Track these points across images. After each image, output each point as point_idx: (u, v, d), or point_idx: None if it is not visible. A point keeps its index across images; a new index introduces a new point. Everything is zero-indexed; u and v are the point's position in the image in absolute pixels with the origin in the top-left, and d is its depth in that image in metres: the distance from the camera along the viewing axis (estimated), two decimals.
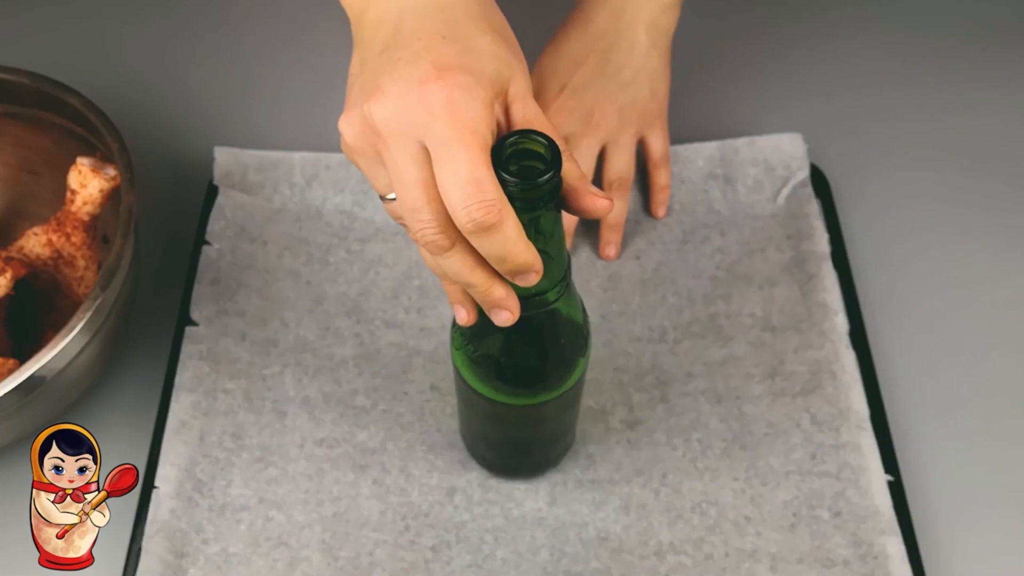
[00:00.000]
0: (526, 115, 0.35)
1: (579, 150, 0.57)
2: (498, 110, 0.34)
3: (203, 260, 0.57)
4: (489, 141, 0.33)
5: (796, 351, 0.55)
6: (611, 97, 0.57)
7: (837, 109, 0.66)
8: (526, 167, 0.33)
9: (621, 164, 0.58)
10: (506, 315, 0.37)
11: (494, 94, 0.34)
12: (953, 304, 0.58)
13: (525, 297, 0.38)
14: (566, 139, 0.45)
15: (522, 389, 0.43)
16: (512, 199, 0.33)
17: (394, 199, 0.36)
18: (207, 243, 0.57)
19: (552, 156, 0.33)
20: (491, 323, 0.38)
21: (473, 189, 0.32)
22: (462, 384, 0.45)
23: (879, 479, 0.50)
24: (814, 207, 0.59)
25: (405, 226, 0.36)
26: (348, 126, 0.36)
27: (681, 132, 0.61)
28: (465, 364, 0.43)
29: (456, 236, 0.34)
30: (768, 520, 0.50)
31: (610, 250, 0.59)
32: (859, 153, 0.64)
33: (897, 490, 0.50)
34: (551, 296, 0.38)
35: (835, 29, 0.71)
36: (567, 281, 0.39)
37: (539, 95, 0.57)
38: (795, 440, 0.52)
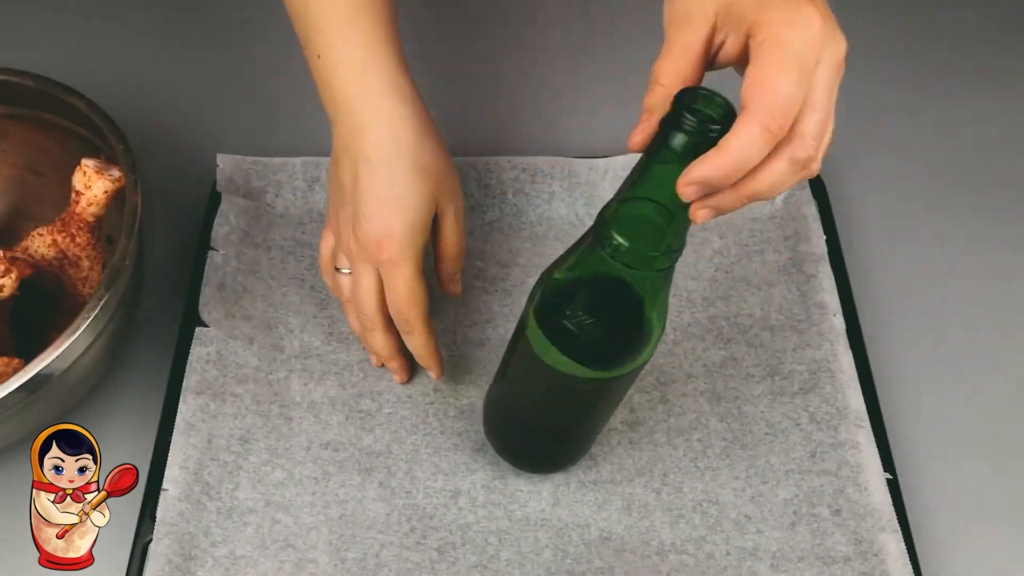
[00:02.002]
0: (445, 235, 0.53)
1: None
2: (426, 238, 0.52)
3: (209, 265, 0.57)
4: (416, 276, 0.51)
5: (795, 351, 0.56)
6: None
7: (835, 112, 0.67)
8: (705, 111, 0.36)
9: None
10: (396, 377, 0.55)
11: (424, 237, 0.51)
12: (948, 304, 0.59)
13: (649, 255, 0.38)
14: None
15: (607, 357, 0.42)
16: (698, 144, 0.35)
17: (347, 272, 0.53)
18: (213, 249, 0.58)
19: (726, 115, 0.36)
20: (591, 284, 0.41)
21: (397, 310, 0.51)
22: (529, 355, 0.44)
23: (878, 477, 0.51)
24: (812, 209, 0.60)
25: (342, 299, 0.55)
26: (339, 231, 0.52)
27: None
28: (543, 329, 0.42)
29: (381, 323, 0.52)
30: (769, 519, 0.50)
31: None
32: (855, 155, 0.65)
33: (893, 488, 0.51)
34: (668, 261, 0.39)
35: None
36: (682, 251, 0.39)
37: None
38: (794, 439, 0.53)
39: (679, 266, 0.59)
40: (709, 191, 0.36)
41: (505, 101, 0.68)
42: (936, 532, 0.51)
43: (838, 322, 0.56)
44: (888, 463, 0.51)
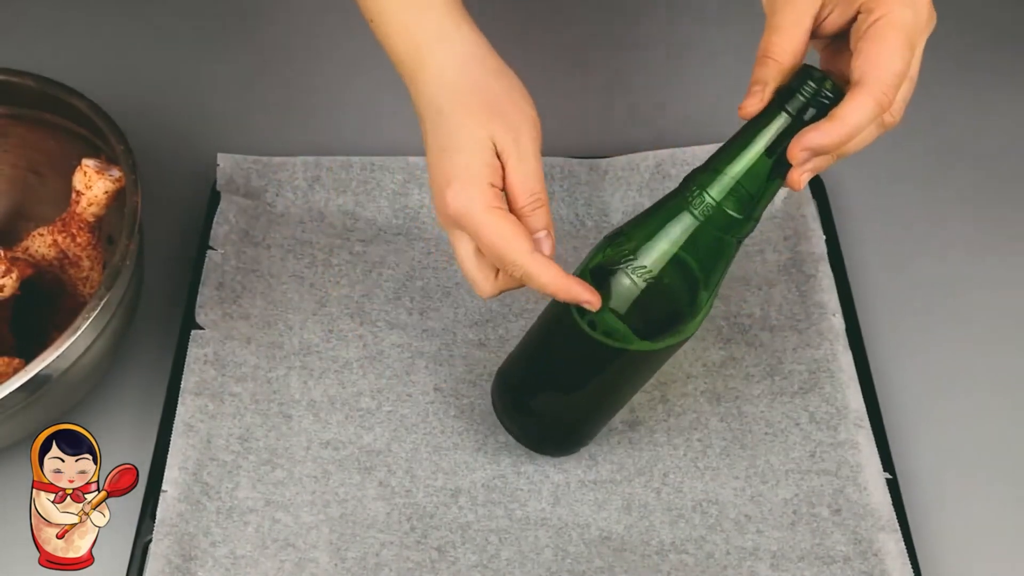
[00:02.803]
0: (512, 179, 0.45)
1: None
2: (494, 177, 0.45)
3: (208, 264, 0.57)
4: (493, 214, 0.44)
5: (794, 351, 0.56)
6: None
7: None
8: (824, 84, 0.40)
9: None
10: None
11: (486, 182, 0.45)
12: (948, 303, 0.59)
13: (740, 218, 0.42)
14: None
15: (660, 324, 0.44)
16: (817, 112, 0.39)
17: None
18: (211, 248, 0.58)
19: (835, 92, 0.39)
20: (678, 243, 0.42)
21: (500, 254, 0.44)
22: (569, 324, 0.44)
23: (877, 476, 0.51)
24: (811, 208, 0.60)
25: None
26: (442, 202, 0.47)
27: (681, 134, 0.62)
28: (614, 292, 0.43)
29: (504, 273, 0.46)
30: (768, 518, 0.50)
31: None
32: (856, 159, 0.65)
33: (893, 488, 0.51)
34: (751, 227, 0.42)
35: None
36: (757, 221, 0.42)
37: None
38: (794, 439, 0.53)
39: None
40: (816, 155, 0.39)
41: None
42: (936, 532, 0.51)
43: (838, 322, 0.56)
44: (888, 463, 0.51)
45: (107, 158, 0.52)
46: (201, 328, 0.55)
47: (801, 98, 0.39)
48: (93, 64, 0.64)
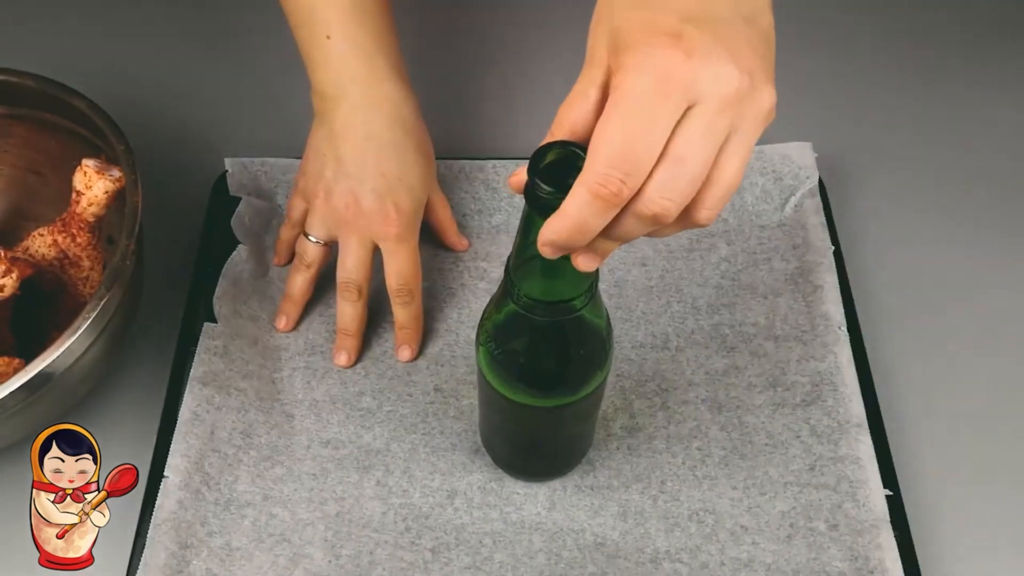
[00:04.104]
0: (438, 209, 0.58)
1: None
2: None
3: (233, 258, 0.58)
4: (417, 250, 0.55)
5: (798, 362, 0.55)
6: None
7: (833, 117, 0.66)
8: (559, 177, 0.34)
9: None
10: (343, 356, 0.56)
11: (422, 213, 0.56)
12: (951, 314, 0.58)
13: (551, 303, 0.39)
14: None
15: (540, 391, 0.44)
16: (546, 207, 0.34)
17: (315, 242, 0.56)
18: (241, 243, 0.58)
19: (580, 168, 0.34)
20: (516, 325, 0.41)
21: (403, 282, 0.55)
22: (483, 382, 0.46)
23: (877, 493, 0.50)
24: (820, 218, 0.59)
25: (299, 264, 0.57)
26: (326, 204, 0.55)
27: None
28: (488, 363, 0.44)
29: (365, 294, 0.55)
30: (765, 530, 0.50)
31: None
32: (856, 161, 0.64)
33: (895, 504, 0.50)
34: (577, 304, 0.39)
35: (832, 36, 0.71)
36: (593, 291, 0.40)
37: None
38: (794, 451, 0.52)
39: (685, 272, 0.59)
40: (569, 251, 0.35)
41: (513, 104, 0.67)
42: (940, 545, 0.50)
43: (842, 334, 0.55)
44: (890, 477, 0.51)
45: (107, 158, 0.52)
46: (215, 320, 0.55)
47: (530, 190, 0.34)
48: (93, 64, 0.64)
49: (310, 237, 0.56)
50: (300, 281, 0.57)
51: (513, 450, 0.51)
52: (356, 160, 0.53)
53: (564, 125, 0.34)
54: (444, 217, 0.59)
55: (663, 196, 0.33)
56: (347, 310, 0.55)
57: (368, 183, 0.53)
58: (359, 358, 0.56)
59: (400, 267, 0.55)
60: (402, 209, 0.54)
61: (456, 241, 0.60)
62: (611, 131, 0.32)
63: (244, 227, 0.59)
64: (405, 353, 0.56)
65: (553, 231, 0.33)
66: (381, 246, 0.55)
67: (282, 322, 0.57)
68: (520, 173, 0.35)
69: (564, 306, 0.39)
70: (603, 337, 0.43)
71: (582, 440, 0.51)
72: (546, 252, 0.35)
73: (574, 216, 0.33)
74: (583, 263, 0.35)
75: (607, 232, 0.34)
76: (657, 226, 0.34)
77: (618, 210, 0.33)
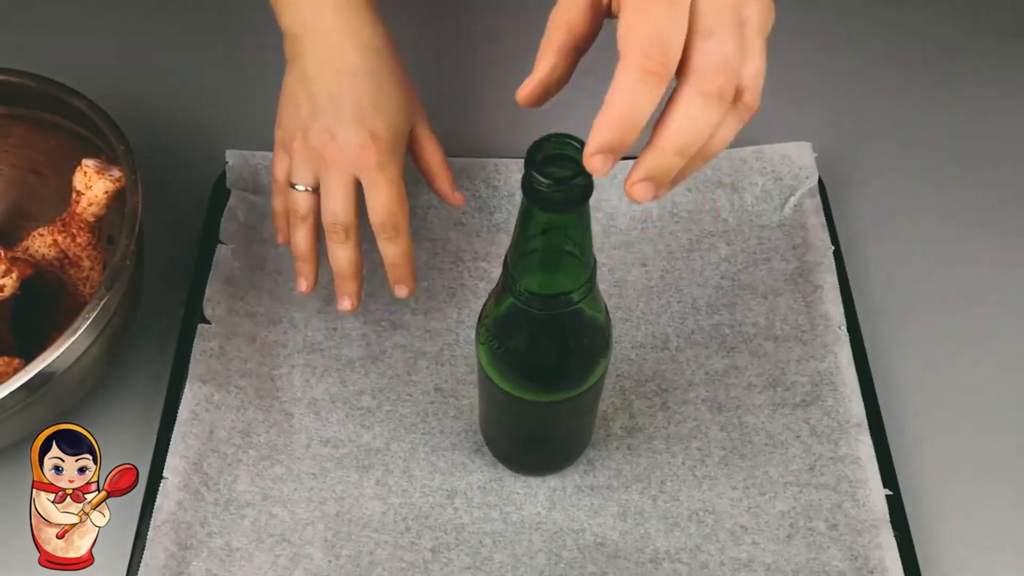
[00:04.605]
0: (426, 148, 0.55)
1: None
2: (405, 148, 0.53)
3: (217, 260, 0.57)
4: (401, 181, 0.52)
5: (798, 362, 0.55)
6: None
7: (833, 117, 0.66)
8: (557, 169, 0.34)
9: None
10: (347, 301, 0.53)
11: (404, 145, 0.53)
12: (951, 314, 0.58)
13: (550, 296, 0.39)
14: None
15: (539, 386, 0.44)
16: (544, 200, 0.34)
17: (303, 190, 0.53)
18: (221, 243, 0.58)
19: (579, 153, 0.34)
20: (516, 319, 0.41)
21: (386, 215, 0.51)
22: (483, 377, 0.46)
23: (877, 493, 0.50)
24: (821, 217, 0.59)
25: (295, 218, 0.53)
26: (304, 145, 0.52)
27: None
28: (488, 358, 0.44)
29: (355, 232, 0.52)
30: (765, 530, 0.50)
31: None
32: (856, 161, 0.64)
33: (895, 504, 0.50)
34: (575, 297, 0.39)
35: (832, 36, 0.71)
36: (592, 284, 0.40)
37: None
38: (794, 451, 0.52)
39: (685, 272, 0.59)
40: (619, 154, 0.33)
41: (513, 103, 0.67)
42: (940, 546, 0.50)
43: (842, 334, 0.55)
44: (890, 477, 0.51)
45: (107, 158, 0.52)
46: (208, 323, 0.55)
47: (533, 186, 0.34)
48: (93, 64, 0.64)
49: (297, 186, 0.53)
50: (302, 236, 0.53)
51: (512, 444, 0.51)
52: (330, 95, 0.51)
53: (560, 26, 0.35)
54: (433, 159, 0.55)
55: (715, 67, 0.33)
56: (338, 252, 0.52)
57: (344, 116, 0.50)
58: (359, 301, 0.54)
59: (382, 198, 0.51)
60: (379, 137, 0.50)
61: (448, 192, 0.56)
62: (645, 13, 0.32)
63: (238, 222, 0.59)
64: (402, 291, 0.53)
65: (604, 124, 0.32)
66: (362, 179, 0.51)
67: (302, 284, 0.54)
68: (528, 86, 0.35)
69: (563, 299, 0.39)
70: (602, 331, 0.43)
71: (581, 435, 0.51)
72: (595, 163, 0.32)
73: (623, 101, 0.32)
74: (640, 191, 0.34)
75: (665, 128, 0.33)
76: (721, 108, 0.33)
77: (664, 87, 0.32)
